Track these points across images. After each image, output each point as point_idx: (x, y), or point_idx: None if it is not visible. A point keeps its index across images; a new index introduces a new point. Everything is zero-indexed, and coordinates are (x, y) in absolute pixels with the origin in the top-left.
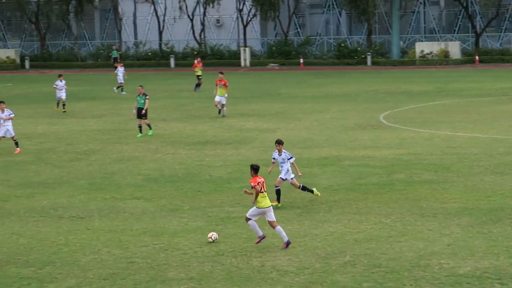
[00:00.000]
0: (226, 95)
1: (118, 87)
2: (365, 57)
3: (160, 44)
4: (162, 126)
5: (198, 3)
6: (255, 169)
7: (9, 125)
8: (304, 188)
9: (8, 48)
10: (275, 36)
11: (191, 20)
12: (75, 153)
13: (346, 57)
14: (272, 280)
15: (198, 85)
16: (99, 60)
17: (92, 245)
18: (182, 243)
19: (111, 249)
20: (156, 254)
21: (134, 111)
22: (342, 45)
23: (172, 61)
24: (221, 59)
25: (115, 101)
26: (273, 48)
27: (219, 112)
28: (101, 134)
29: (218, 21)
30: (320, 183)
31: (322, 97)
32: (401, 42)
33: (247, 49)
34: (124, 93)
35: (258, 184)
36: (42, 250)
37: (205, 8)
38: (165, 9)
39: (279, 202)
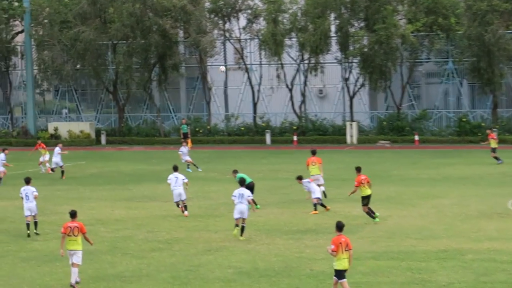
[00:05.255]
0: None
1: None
2: None
3: (254, 118)
4: (257, 212)
5: (298, 71)
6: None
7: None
8: None
9: (82, 121)
10: (386, 109)
11: (290, 90)
12: (156, 241)
13: (468, 133)
14: None
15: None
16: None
17: None
18: None
19: None
20: None
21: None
22: (464, 120)
23: (268, 137)
24: (324, 135)
25: (203, 182)
26: (384, 123)
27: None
28: (186, 220)
29: (321, 91)
30: (439, 280)
31: (440, 180)
32: None
33: (354, 123)
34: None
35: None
36: None
37: (306, 77)
38: (261, 77)
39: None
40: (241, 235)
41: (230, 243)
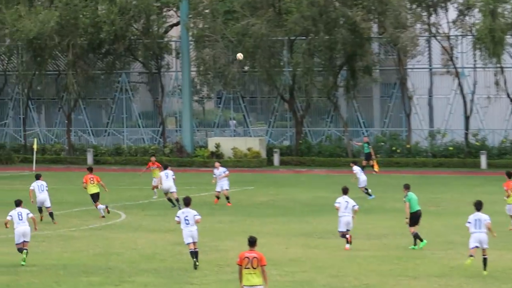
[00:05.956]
0: None
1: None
2: None
3: (466, 135)
4: (467, 253)
5: None
6: None
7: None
8: None
9: (251, 136)
10: None
11: None
12: None
13: None
14: None
15: None
16: (377, 156)
17: None
18: None
19: None
20: None
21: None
22: None
23: (483, 160)
24: None
25: (401, 215)
26: None
27: None
28: (379, 262)
29: None
30: None
31: None
32: None
33: None
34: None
35: None
36: None
37: None
38: (475, 84)
39: None
40: (485, 269)
41: None
